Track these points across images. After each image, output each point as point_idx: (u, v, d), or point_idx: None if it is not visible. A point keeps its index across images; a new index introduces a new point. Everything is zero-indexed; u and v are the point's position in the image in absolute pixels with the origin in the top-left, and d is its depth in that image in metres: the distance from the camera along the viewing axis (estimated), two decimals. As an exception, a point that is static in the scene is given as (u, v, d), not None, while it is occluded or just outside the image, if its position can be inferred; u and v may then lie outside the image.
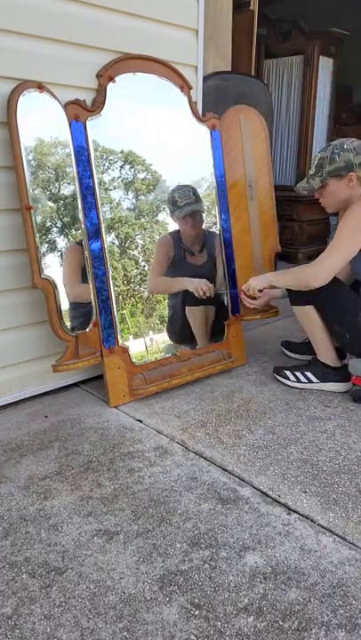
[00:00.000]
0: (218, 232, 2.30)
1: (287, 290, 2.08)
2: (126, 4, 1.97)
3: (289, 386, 2.14)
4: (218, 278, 2.31)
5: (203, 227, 2.28)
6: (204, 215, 2.26)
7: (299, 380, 2.13)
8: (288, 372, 2.16)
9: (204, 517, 1.37)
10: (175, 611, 1.09)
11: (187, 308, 2.21)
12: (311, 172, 1.95)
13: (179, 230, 2.20)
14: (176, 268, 2.20)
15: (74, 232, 1.89)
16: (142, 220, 2.09)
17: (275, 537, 1.30)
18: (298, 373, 2.14)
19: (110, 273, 1.97)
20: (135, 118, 2.04)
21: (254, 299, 2.21)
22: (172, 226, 2.20)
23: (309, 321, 2.07)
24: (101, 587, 1.15)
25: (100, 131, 1.92)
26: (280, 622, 1.06)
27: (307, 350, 2.33)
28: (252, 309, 2.34)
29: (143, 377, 2.02)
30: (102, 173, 1.96)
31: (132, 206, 2.07)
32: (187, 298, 2.21)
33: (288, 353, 2.48)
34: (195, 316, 2.24)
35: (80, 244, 1.91)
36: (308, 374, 2.11)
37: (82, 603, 1.11)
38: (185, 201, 2.16)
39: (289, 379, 2.15)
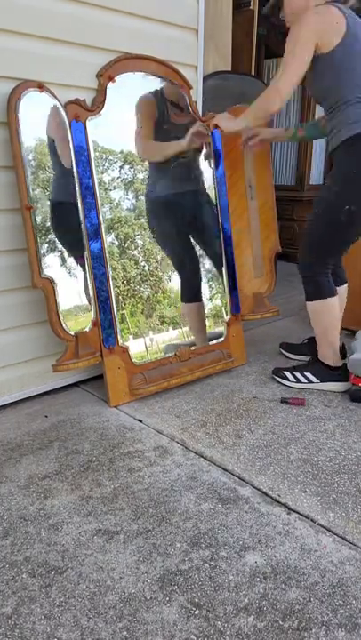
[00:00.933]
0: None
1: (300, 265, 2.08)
2: (127, 4, 1.97)
3: (289, 386, 2.14)
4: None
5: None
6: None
7: (299, 381, 2.12)
8: (287, 373, 2.16)
9: (204, 517, 1.37)
10: (175, 610, 1.09)
11: (182, 304, 2.22)
12: None
13: (162, 88, 2.09)
14: (160, 129, 2.10)
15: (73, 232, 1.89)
16: (142, 220, 2.09)
17: (275, 537, 1.30)
18: (297, 374, 2.13)
19: (110, 273, 1.97)
20: (135, 118, 2.04)
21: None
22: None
23: (321, 317, 2.05)
24: (101, 586, 1.15)
25: (100, 130, 1.92)
26: (280, 622, 1.06)
27: (307, 351, 2.33)
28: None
29: (143, 377, 2.02)
30: (102, 173, 1.96)
31: (131, 206, 2.07)
32: (183, 295, 2.22)
33: (287, 354, 2.46)
34: (190, 312, 2.24)
35: None
36: (308, 374, 2.11)
37: (82, 602, 1.11)
38: None
39: (288, 379, 2.15)
